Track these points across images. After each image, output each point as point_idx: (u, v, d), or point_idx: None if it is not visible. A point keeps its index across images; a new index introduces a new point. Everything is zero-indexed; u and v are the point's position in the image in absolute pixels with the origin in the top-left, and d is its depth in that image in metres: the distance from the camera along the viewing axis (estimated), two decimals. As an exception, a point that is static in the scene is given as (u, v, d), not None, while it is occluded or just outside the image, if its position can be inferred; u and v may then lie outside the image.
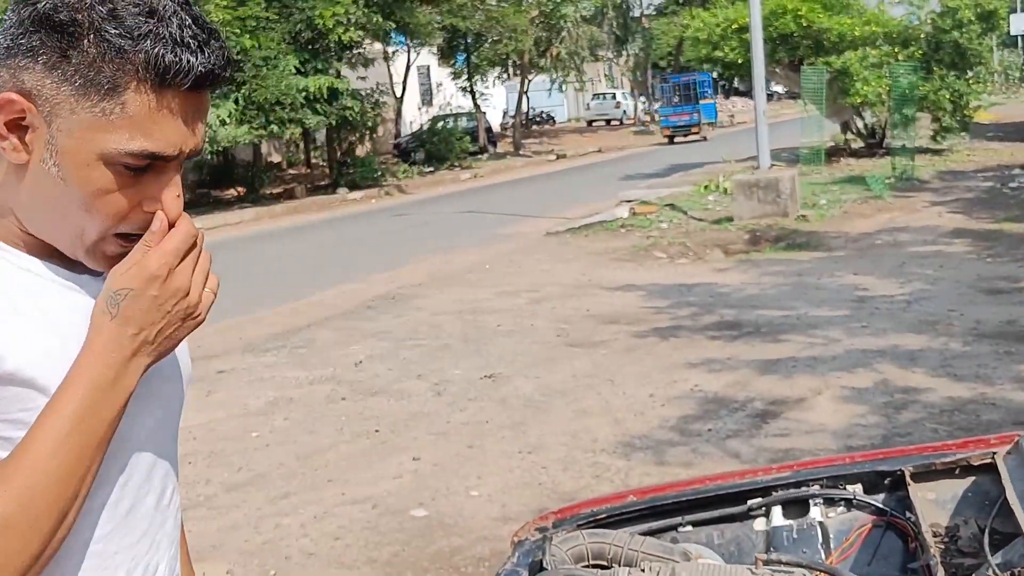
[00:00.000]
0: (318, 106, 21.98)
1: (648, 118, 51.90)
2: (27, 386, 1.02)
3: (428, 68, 42.59)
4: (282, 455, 5.54)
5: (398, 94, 35.54)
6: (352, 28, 22.01)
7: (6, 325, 1.02)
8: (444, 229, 16.18)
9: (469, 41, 35.87)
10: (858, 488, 1.82)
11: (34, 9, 1.00)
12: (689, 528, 1.86)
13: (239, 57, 20.46)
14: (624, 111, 53.19)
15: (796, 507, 1.82)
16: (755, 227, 12.72)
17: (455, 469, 5.09)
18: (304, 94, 21.15)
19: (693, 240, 12.32)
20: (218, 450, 5.70)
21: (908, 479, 1.75)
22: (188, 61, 1.00)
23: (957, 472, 1.75)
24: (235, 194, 24.89)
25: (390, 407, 6.30)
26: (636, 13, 52.48)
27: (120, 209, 1.06)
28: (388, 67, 34.81)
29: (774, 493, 1.84)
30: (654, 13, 52.19)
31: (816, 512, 1.79)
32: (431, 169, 30.08)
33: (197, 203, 23.69)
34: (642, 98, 54.70)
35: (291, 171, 31.04)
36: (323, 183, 26.83)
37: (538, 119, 52.38)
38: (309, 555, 4.21)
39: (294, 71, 21.12)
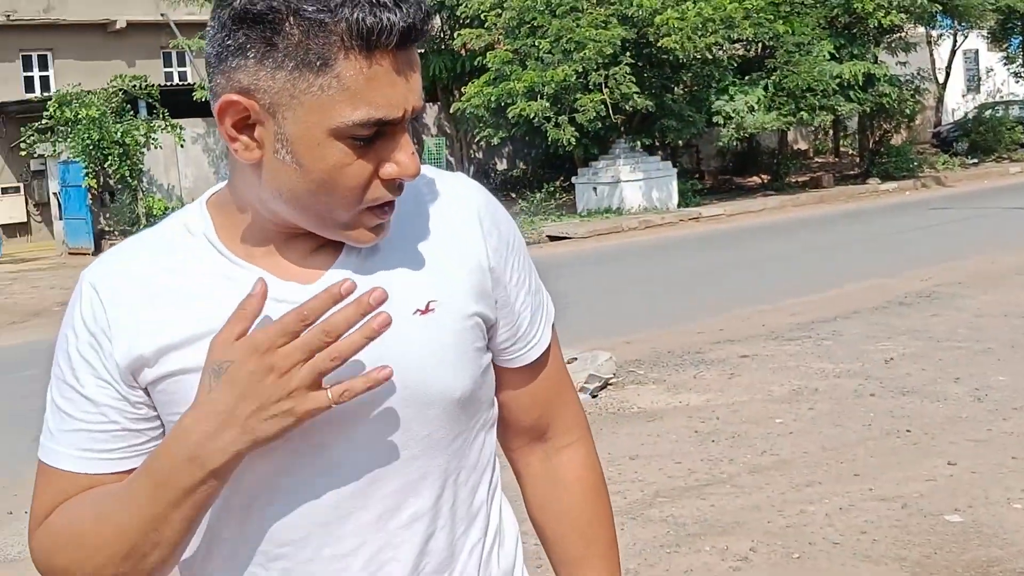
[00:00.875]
0: (852, 93, 21.31)
1: None
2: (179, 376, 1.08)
3: (976, 52, 39.58)
4: (806, 443, 5.45)
5: (940, 80, 33.42)
6: (894, 11, 21.03)
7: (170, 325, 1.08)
8: (988, 226, 14.97)
9: (1027, 23, 32.67)
10: None
11: (231, 8, 1.01)
12: None
13: (771, 44, 20.45)
14: None
15: None
16: None
17: (997, 479, 4.68)
18: (837, 80, 20.61)
19: None
20: (741, 432, 5.75)
21: None
22: (389, 19, 0.99)
23: None
24: (758, 181, 24.97)
25: (923, 408, 5.94)
26: None
27: (360, 181, 1.05)
28: (931, 52, 32.83)
29: None
30: None
31: None
32: (975, 161, 28.00)
33: (719, 189, 24.14)
34: None
35: (818, 159, 30.50)
36: (852, 172, 26.06)
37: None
38: (834, 544, 4.10)
39: (828, 57, 20.65)
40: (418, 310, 1.12)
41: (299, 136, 1.02)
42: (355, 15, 0.98)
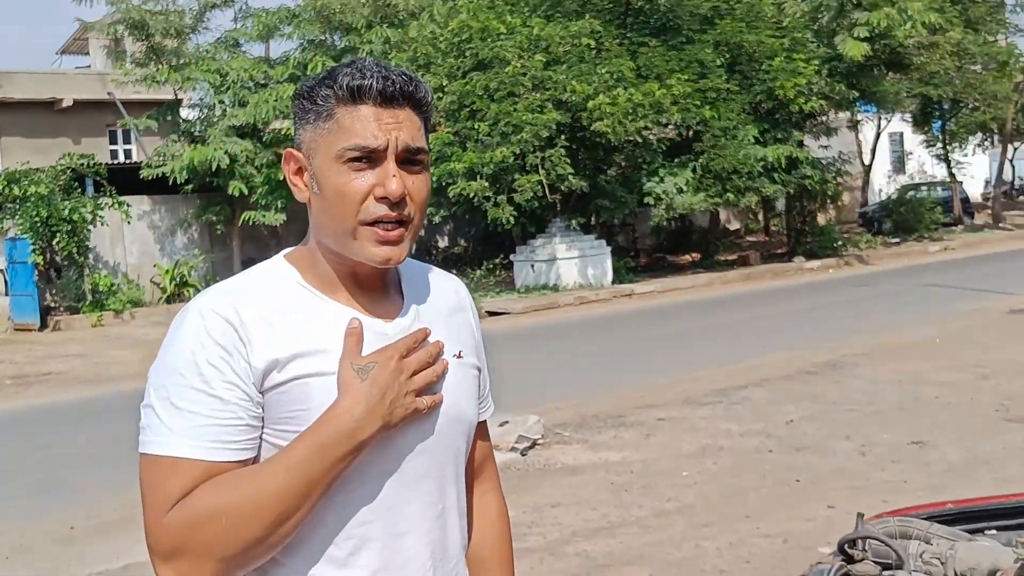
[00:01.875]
0: (776, 175, 22.43)
1: None
2: (302, 381, 1.42)
3: (901, 135, 41.42)
4: (707, 492, 6.12)
5: (867, 161, 34.94)
6: (814, 98, 22.27)
7: (290, 340, 1.43)
8: (901, 302, 15.93)
9: (945, 108, 34.40)
10: None
11: (295, 91, 1.52)
12: (994, 532, 2.20)
13: (698, 128, 21.55)
14: None
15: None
16: None
17: (866, 520, 5.37)
18: (762, 163, 21.72)
19: None
20: (652, 483, 6.41)
21: None
22: (368, 83, 1.43)
23: None
24: (690, 259, 25.96)
25: (813, 462, 6.66)
26: None
27: (357, 197, 1.43)
28: (857, 135, 34.39)
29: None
30: None
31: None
32: (897, 240, 29.26)
33: (653, 267, 25.08)
34: None
35: (749, 238, 31.69)
36: (780, 251, 27.16)
37: (1029, 190, 48.84)
38: (721, 572, 4.76)
39: (753, 140, 21.78)
40: (455, 355, 1.56)
41: (319, 168, 1.45)
42: (346, 80, 1.44)
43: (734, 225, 32.61)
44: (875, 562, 2.17)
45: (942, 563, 2.10)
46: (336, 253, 1.49)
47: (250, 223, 23.23)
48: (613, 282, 21.43)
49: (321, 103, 1.45)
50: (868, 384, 9.19)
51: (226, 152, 22.13)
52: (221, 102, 23.53)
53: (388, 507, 1.46)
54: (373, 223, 1.44)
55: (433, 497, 1.52)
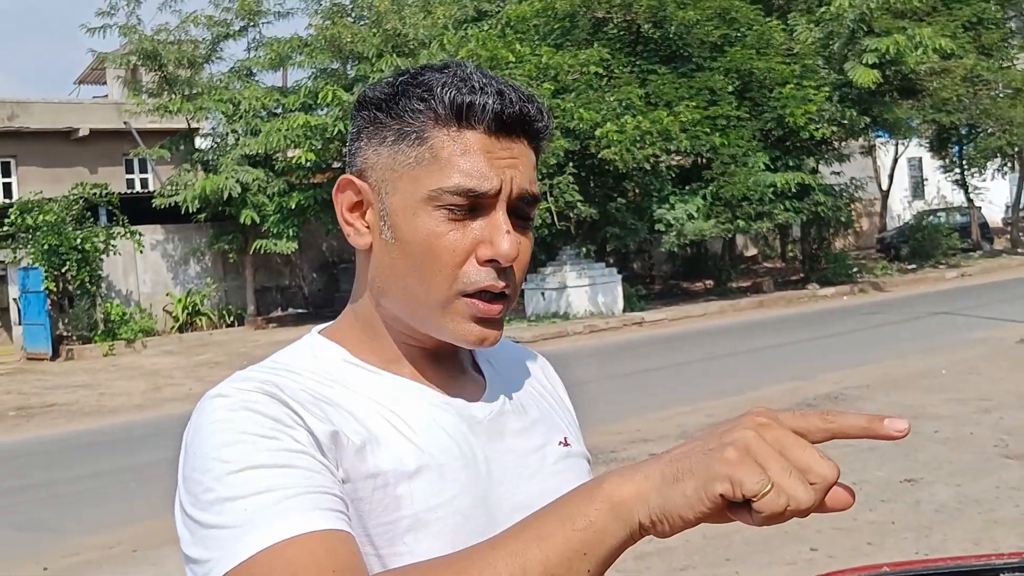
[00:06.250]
0: (788, 202, 22.33)
1: None
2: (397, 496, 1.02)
3: (920, 160, 41.23)
4: (690, 534, 5.98)
5: (884, 187, 34.76)
6: (825, 124, 22.18)
7: (386, 443, 1.04)
8: (911, 330, 15.76)
9: (963, 133, 34.15)
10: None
11: (359, 96, 1.13)
12: (929, 603, 2.10)
13: (709, 155, 21.49)
14: None
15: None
16: None
17: (848, 562, 5.24)
18: (772, 189, 21.63)
19: None
20: (637, 522, 6.29)
21: None
22: (483, 101, 1.05)
23: None
24: (703, 286, 25.84)
25: (802, 500, 6.52)
26: None
27: (454, 256, 1.05)
28: (874, 160, 34.28)
29: (1003, 574, 2.04)
30: None
31: (1042, 598, 1.97)
32: (913, 267, 29.06)
33: (667, 294, 24.98)
34: None
35: (766, 264, 31.57)
36: (795, 278, 27.01)
37: (1050, 215, 48.42)
38: (691, 622, 4.64)
39: (763, 167, 21.70)
40: (560, 442, 1.21)
41: (397, 208, 1.06)
42: (451, 94, 1.05)
43: (751, 251, 32.48)
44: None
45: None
46: (404, 322, 1.12)
47: (262, 251, 23.47)
48: (624, 310, 21.34)
49: (409, 120, 1.06)
50: (867, 418, 9.03)
51: (238, 181, 22.44)
52: (234, 131, 23.83)
53: None
54: (473, 294, 1.07)
55: None
